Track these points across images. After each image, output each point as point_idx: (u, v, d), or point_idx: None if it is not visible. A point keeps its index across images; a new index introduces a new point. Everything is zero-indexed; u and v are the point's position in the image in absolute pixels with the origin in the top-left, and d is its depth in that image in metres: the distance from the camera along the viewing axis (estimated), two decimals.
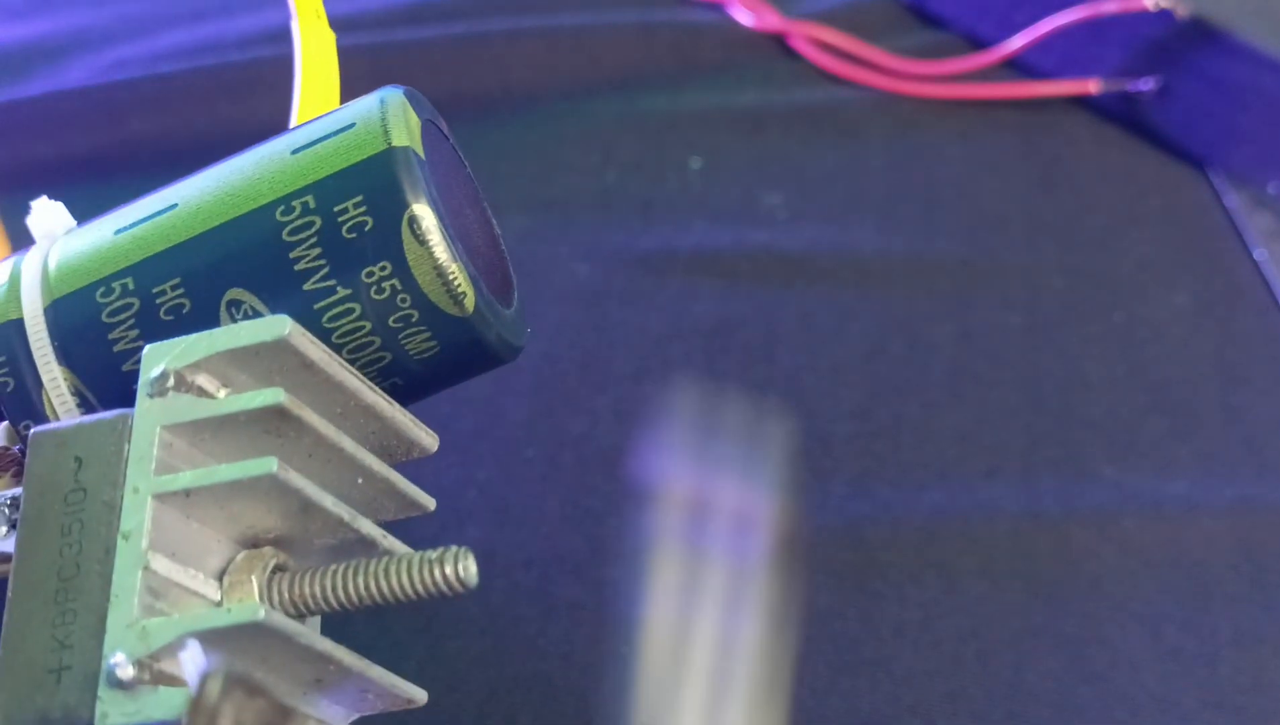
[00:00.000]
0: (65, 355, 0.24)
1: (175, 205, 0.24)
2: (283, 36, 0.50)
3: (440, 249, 0.23)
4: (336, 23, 0.50)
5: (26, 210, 0.40)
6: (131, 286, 0.24)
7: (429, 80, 0.48)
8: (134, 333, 0.24)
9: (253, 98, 0.46)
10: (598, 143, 0.46)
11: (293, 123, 0.29)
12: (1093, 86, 0.47)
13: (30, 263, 0.25)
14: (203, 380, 0.21)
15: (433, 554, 0.20)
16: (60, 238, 0.26)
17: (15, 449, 0.25)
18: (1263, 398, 0.37)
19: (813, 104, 0.48)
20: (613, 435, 0.35)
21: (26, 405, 0.24)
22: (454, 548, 0.20)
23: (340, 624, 0.31)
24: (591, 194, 0.44)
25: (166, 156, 0.44)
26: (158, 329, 0.23)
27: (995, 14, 0.50)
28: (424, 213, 0.23)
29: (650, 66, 0.49)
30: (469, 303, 0.23)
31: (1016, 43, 0.49)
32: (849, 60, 0.49)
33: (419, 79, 0.47)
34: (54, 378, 0.24)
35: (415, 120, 0.24)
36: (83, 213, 0.43)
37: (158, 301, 0.24)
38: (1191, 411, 0.37)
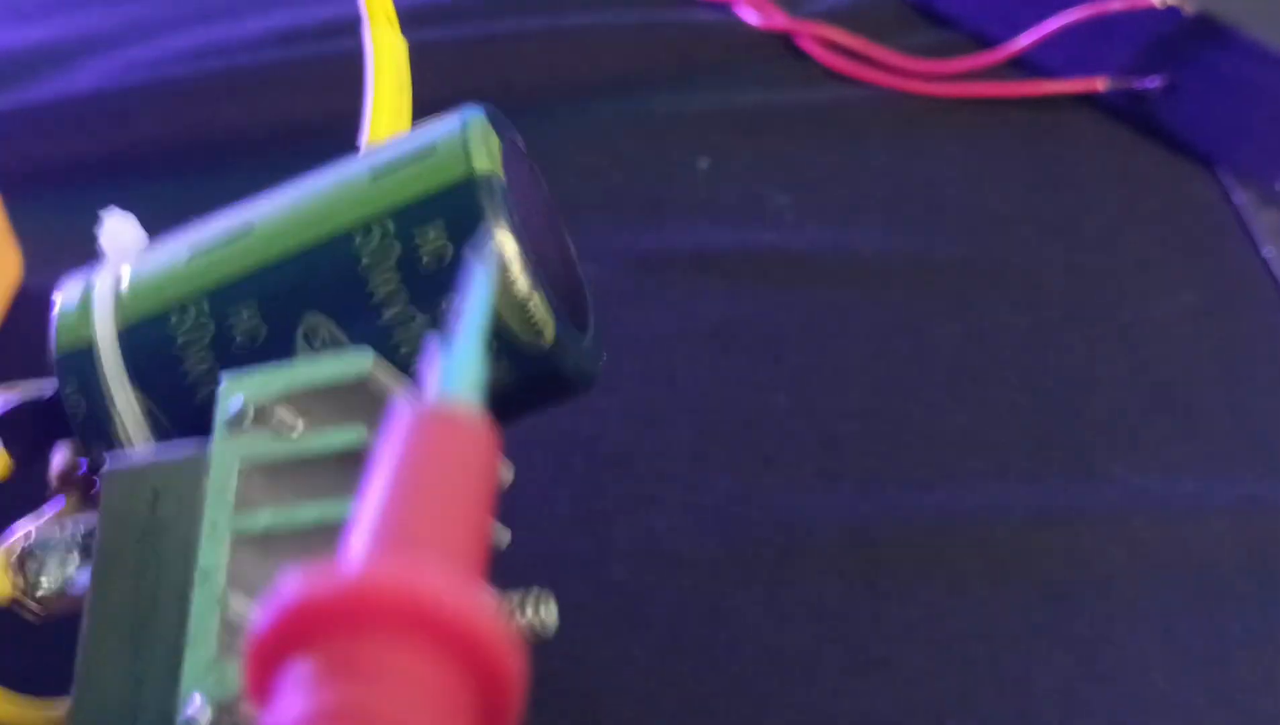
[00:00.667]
0: (138, 380, 0.24)
1: (251, 228, 0.24)
2: (290, 39, 0.50)
3: (521, 281, 0.22)
4: (336, 24, 0.50)
5: (38, 212, 0.40)
6: (207, 310, 0.23)
7: (432, 81, 0.48)
8: (209, 358, 0.23)
9: (260, 100, 0.46)
10: (603, 143, 0.46)
11: (364, 130, 0.29)
12: (1099, 85, 0.47)
13: (103, 284, 0.25)
14: (281, 412, 0.20)
15: (513, 599, 0.20)
16: (133, 256, 0.25)
17: (82, 467, 0.25)
18: (1270, 396, 0.37)
19: (819, 103, 0.48)
20: (620, 436, 0.35)
21: (100, 430, 0.24)
22: (531, 590, 0.20)
23: None
24: (597, 194, 0.44)
25: (175, 159, 0.44)
26: (232, 355, 0.23)
27: (1001, 12, 0.50)
28: (506, 242, 0.22)
29: (656, 66, 0.49)
30: (549, 335, 0.23)
31: (1023, 41, 0.48)
32: (855, 59, 0.49)
33: (421, 79, 0.48)
34: (128, 402, 0.24)
35: (496, 142, 0.23)
36: (92, 215, 0.43)
37: (232, 327, 0.23)
38: (1199, 410, 0.37)
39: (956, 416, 0.36)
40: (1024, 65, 0.49)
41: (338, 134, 0.45)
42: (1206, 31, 0.47)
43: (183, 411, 0.23)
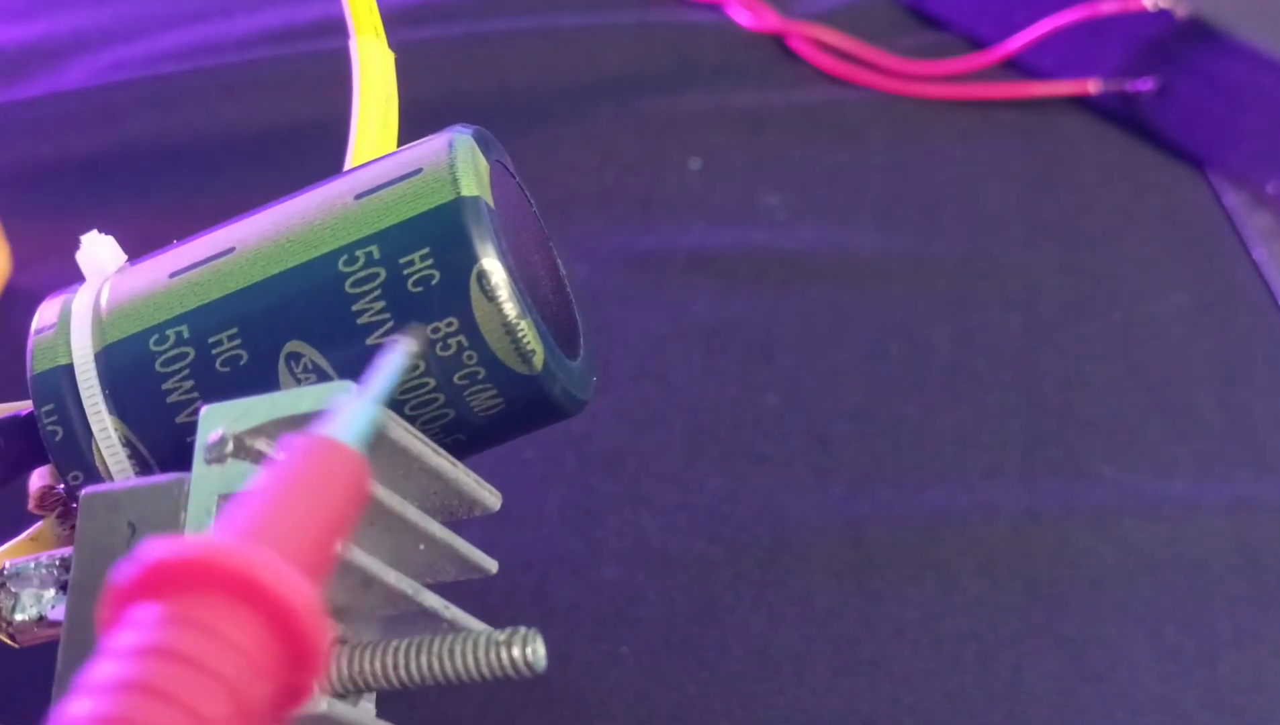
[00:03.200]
0: (116, 404, 0.23)
1: (233, 249, 0.23)
2: (281, 38, 0.50)
3: (510, 306, 0.22)
4: (328, 23, 0.50)
5: (27, 212, 0.40)
6: (186, 335, 0.23)
7: (429, 80, 0.48)
8: (188, 384, 0.23)
9: (251, 99, 0.46)
10: (597, 143, 0.46)
11: (350, 144, 0.28)
12: (1092, 86, 0.47)
13: (81, 303, 0.24)
14: (261, 444, 0.20)
15: (500, 635, 0.19)
16: (112, 276, 0.24)
17: (59, 488, 0.24)
18: (1262, 397, 0.37)
19: (812, 104, 0.48)
20: (612, 436, 0.35)
21: (75, 454, 0.23)
22: (523, 629, 0.19)
23: None
24: (591, 194, 0.44)
25: (165, 157, 0.44)
26: (213, 380, 0.22)
27: (994, 14, 0.50)
28: (493, 268, 0.22)
29: (649, 67, 0.49)
30: (538, 361, 0.22)
31: (1015, 43, 0.49)
32: (848, 60, 0.49)
33: (419, 79, 0.48)
34: (104, 427, 0.23)
35: (484, 165, 0.23)
36: (82, 213, 0.43)
37: (213, 352, 0.23)
38: (1191, 411, 0.37)
39: (949, 416, 0.36)
40: (1016, 67, 0.49)
41: (329, 133, 0.45)
42: (1198, 34, 0.47)
43: (160, 436, 0.23)
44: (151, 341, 0.23)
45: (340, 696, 0.20)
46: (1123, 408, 0.37)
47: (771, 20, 0.51)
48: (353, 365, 0.22)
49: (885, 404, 0.37)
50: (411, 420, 0.22)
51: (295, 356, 0.22)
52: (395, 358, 0.19)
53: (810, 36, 0.50)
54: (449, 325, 0.22)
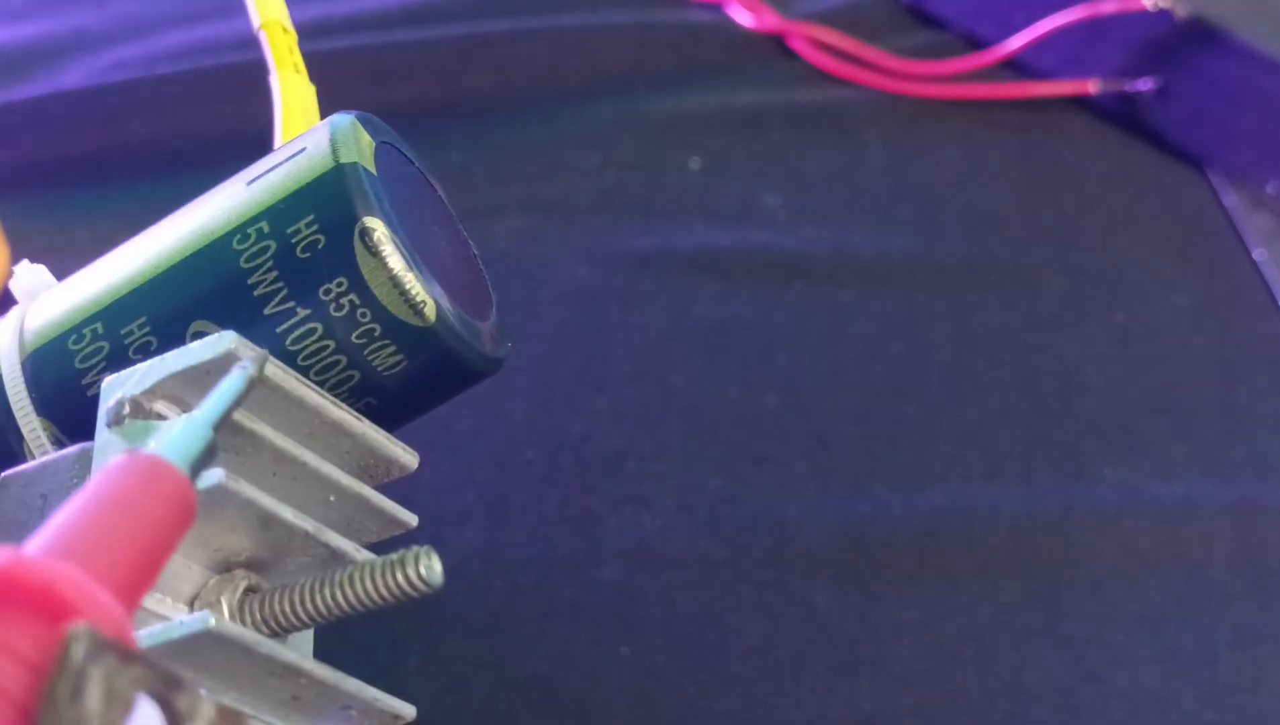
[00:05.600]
0: (45, 406, 0.25)
1: (140, 249, 0.25)
2: None
3: (394, 259, 0.23)
4: (329, 23, 0.50)
5: (27, 209, 0.40)
6: (101, 331, 0.24)
7: (429, 80, 0.48)
8: (106, 375, 0.23)
9: (252, 99, 0.46)
10: (597, 143, 0.46)
11: None
12: (1092, 87, 0.47)
13: (7, 323, 0.26)
14: (160, 406, 0.21)
15: (394, 557, 0.20)
16: (38, 297, 0.26)
17: None
18: (1262, 398, 0.37)
19: (812, 104, 0.48)
20: (612, 436, 0.35)
21: (10, 458, 0.25)
22: (415, 548, 0.20)
23: (338, 629, 0.31)
24: (591, 195, 0.44)
25: (165, 158, 0.44)
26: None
27: (994, 14, 0.50)
28: (375, 225, 0.23)
29: (649, 67, 0.49)
30: (429, 312, 0.23)
31: (1015, 43, 0.49)
32: (848, 61, 0.49)
33: (419, 79, 0.48)
34: (34, 429, 0.25)
35: (367, 140, 0.24)
36: (82, 213, 0.43)
37: (126, 342, 0.24)
38: (1191, 412, 0.37)
39: (949, 417, 0.36)
40: (1016, 67, 0.49)
41: None
42: (1199, 34, 0.47)
43: (88, 430, 0.24)
44: (70, 342, 0.24)
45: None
46: (1123, 408, 0.37)
47: (771, 20, 0.51)
48: (255, 336, 0.23)
49: (885, 404, 0.37)
50: (318, 386, 0.23)
51: (200, 336, 0.23)
52: (232, 379, 0.19)
53: (810, 36, 0.50)
54: (339, 285, 0.23)
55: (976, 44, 0.50)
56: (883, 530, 0.33)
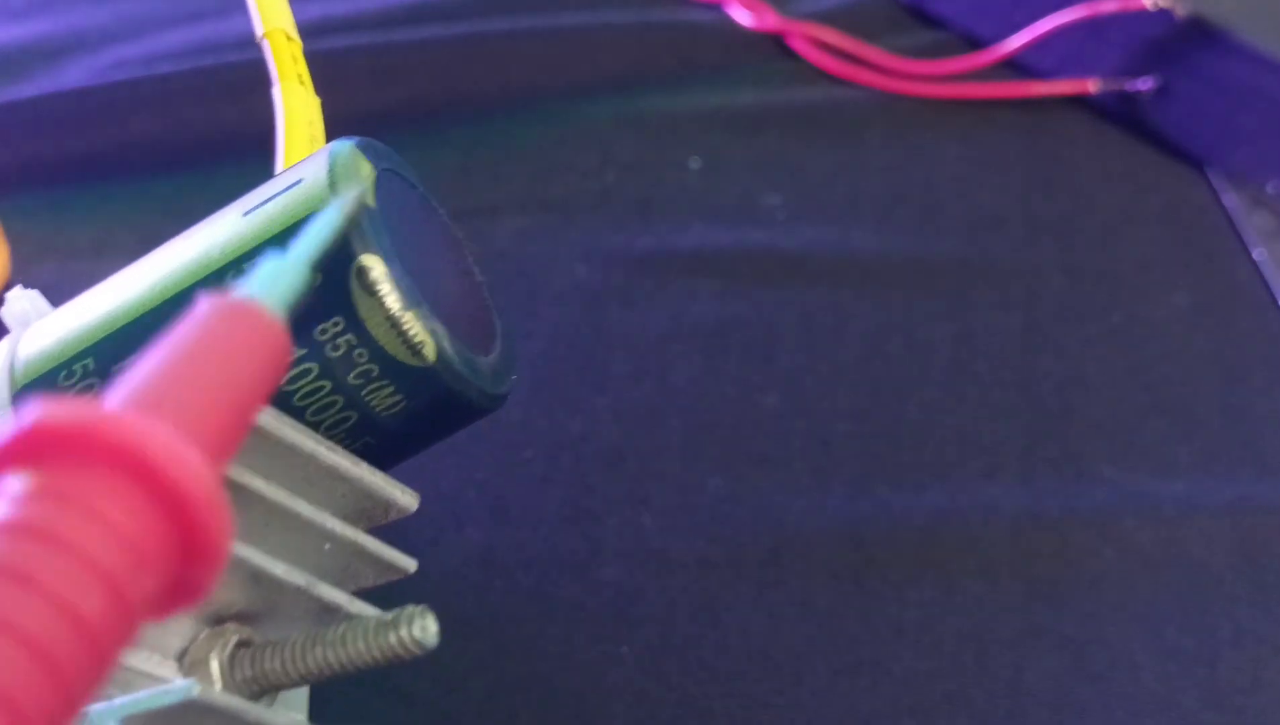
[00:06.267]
0: None
1: (133, 281, 0.24)
2: None
3: (391, 299, 0.22)
4: (329, 22, 0.50)
5: (27, 209, 0.40)
6: (92, 366, 0.23)
7: (429, 80, 0.48)
8: None
9: (252, 98, 0.46)
10: (596, 143, 0.46)
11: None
12: (1091, 86, 0.47)
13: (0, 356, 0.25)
14: None
15: (388, 616, 0.19)
16: (30, 328, 0.25)
17: None
18: (1262, 397, 0.37)
19: (812, 104, 0.48)
20: (611, 436, 0.35)
21: None
22: (410, 608, 0.19)
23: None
24: (590, 194, 0.44)
25: (166, 157, 0.44)
26: None
27: (994, 14, 0.50)
28: (372, 262, 0.22)
29: (649, 67, 0.49)
30: (428, 352, 0.22)
31: (1015, 42, 0.49)
32: (848, 60, 0.49)
33: (419, 79, 0.48)
34: None
35: (368, 169, 0.23)
36: (82, 213, 0.43)
37: (118, 377, 0.23)
38: (1191, 411, 0.37)
39: (949, 417, 0.36)
40: (1016, 67, 0.49)
41: (332, 132, 0.45)
42: (1198, 34, 0.47)
43: None
44: (61, 377, 0.24)
45: (252, 699, 0.20)
46: (1123, 408, 0.37)
47: (771, 20, 0.51)
48: None
49: (885, 404, 0.37)
50: (314, 427, 0.22)
51: None
52: (329, 217, 0.18)
53: (810, 36, 0.50)
54: (335, 325, 0.22)
55: (976, 44, 0.50)
56: (883, 530, 0.33)
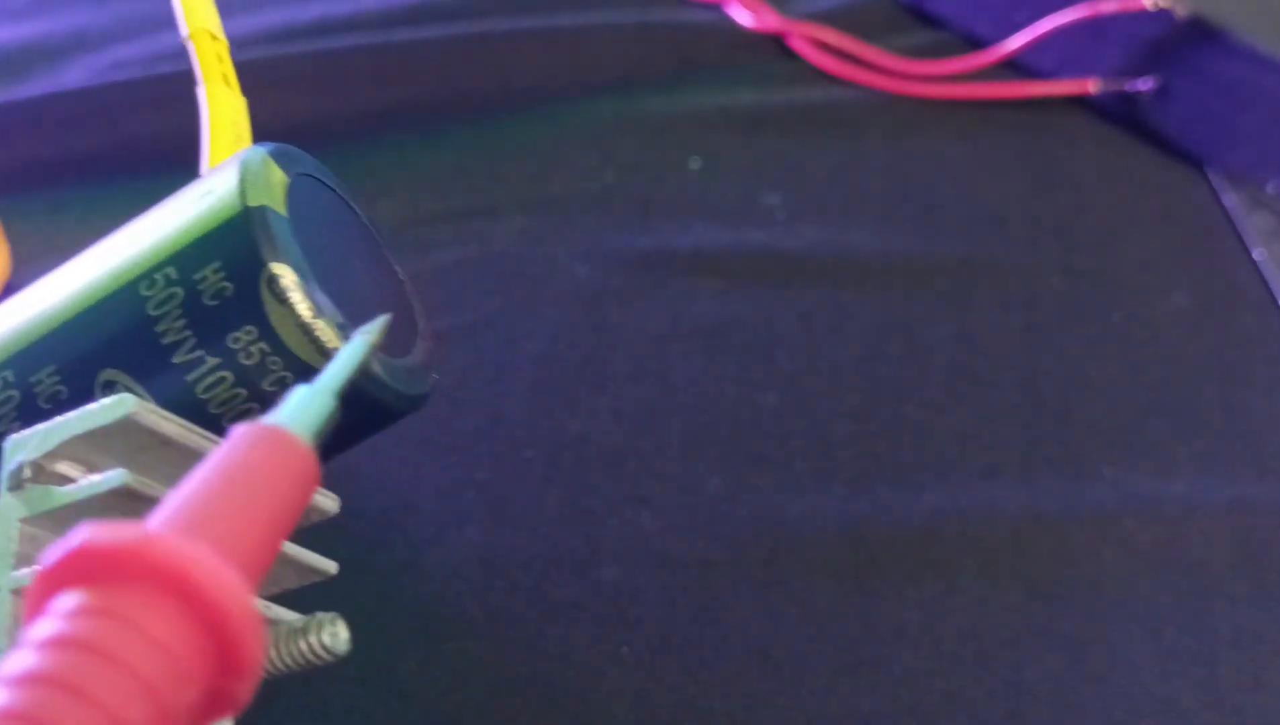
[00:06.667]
0: None
1: (50, 293, 0.24)
2: (280, 38, 0.50)
3: (303, 307, 0.22)
4: (328, 22, 0.50)
5: (27, 209, 0.40)
6: (11, 379, 0.24)
7: (429, 80, 0.48)
8: (17, 425, 0.23)
9: (251, 98, 0.46)
10: (597, 143, 0.46)
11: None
12: (1091, 86, 0.47)
13: None
14: (64, 467, 0.20)
15: (299, 624, 0.19)
16: None
17: None
18: (1262, 397, 0.37)
19: (812, 104, 0.48)
20: (612, 436, 0.35)
21: None
22: (320, 615, 0.19)
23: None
24: (590, 194, 0.44)
25: (165, 157, 0.44)
26: (38, 419, 0.23)
27: (994, 14, 0.50)
28: (282, 271, 0.22)
29: (649, 67, 0.49)
30: None
31: (1015, 43, 0.49)
32: (848, 60, 0.49)
33: (419, 79, 0.48)
34: None
35: (279, 177, 0.23)
36: (82, 213, 0.43)
37: (35, 391, 0.23)
38: (1191, 411, 0.37)
39: (949, 417, 0.36)
40: (1016, 67, 0.49)
41: (329, 132, 0.45)
42: (1198, 34, 0.47)
43: None
44: None
45: None
46: (1123, 408, 0.37)
47: (771, 20, 0.51)
48: (164, 384, 0.23)
49: (885, 404, 0.37)
50: None
51: (111, 384, 0.23)
52: (354, 346, 0.19)
53: (810, 36, 0.50)
54: (248, 333, 0.22)
55: (976, 44, 0.50)
56: (883, 530, 0.33)
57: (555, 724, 0.29)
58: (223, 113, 0.27)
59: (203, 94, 0.27)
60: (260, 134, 0.45)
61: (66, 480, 0.20)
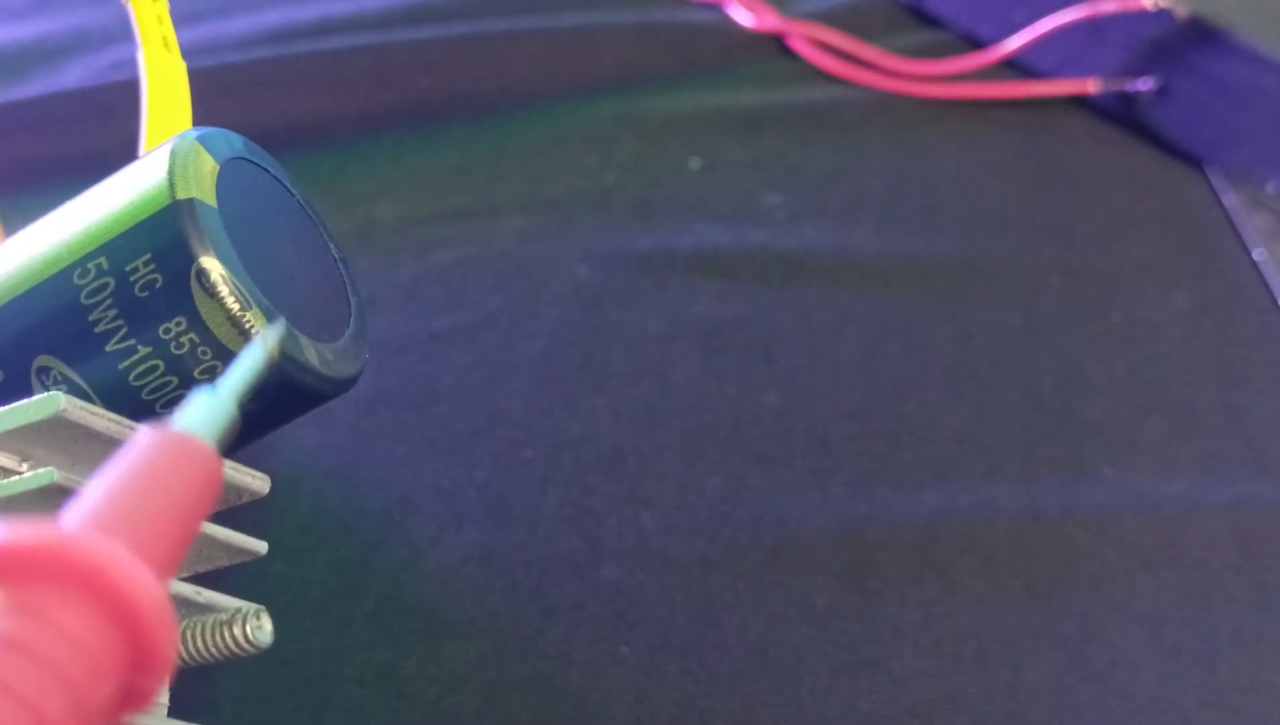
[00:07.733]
0: None
1: None
2: (281, 38, 0.50)
3: (231, 300, 0.23)
4: (329, 22, 0.50)
5: (27, 209, 0.40)
6: None
7: (429, 80, 0.48)
8: None
9: (251, 98, 0.46)
10: (597, 143, 0.46)
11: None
12: (1091, 86, 0.47)
13: None
14: (2, 459, 0.21)
15: (224, 615, 0.20)
16: None
17: None
18: (1262, 397, 0.37)
19: (811, 104, 0.48)
20: (611, 436, 0.35)
21: None
22: (246, 606, 0.20)
23: (338, 626, 0.31)
24: (590, 194, 0.44)
25: None
26: None
27: (994, 14, 0.50)
28: (211, 265, 0.23)
29: (649, 67, 0.49)
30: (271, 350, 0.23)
31: (1015, 43, 0.49)
32: (847, 60, 0.49)
33: (419, 79, 0.48)
34: None
35: (210, 165, 0.24)
36: None
37: None
38: (1191, 411, 0.37)
39: (949, 417, 0.36)
40: (1016, 67, 0.49)
41: (330, 132, 0.45)
42: (1199, 34, 0.47)
43: None
44: None
45: None
46: (1123, 408, 0.37)
47: (771, 20, 0.51)
48: (97, 371, 0.23)
49: (885, 404, 0.37)
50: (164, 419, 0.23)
51: (45, 370, 0.23)
52: (254, 352, 0.19)
53: (810, 36, 0.50)
54: (178, 324, 0.23)
55: (976, 44, 0.50)
56: (883, 530, 0.33)
57: (555, 724, 0.29)
58: (161, 78, 0.27)
59: (141, 58, 0.27)
60: (261, 134, 0.45)
61: (4, 471, 0.21)
